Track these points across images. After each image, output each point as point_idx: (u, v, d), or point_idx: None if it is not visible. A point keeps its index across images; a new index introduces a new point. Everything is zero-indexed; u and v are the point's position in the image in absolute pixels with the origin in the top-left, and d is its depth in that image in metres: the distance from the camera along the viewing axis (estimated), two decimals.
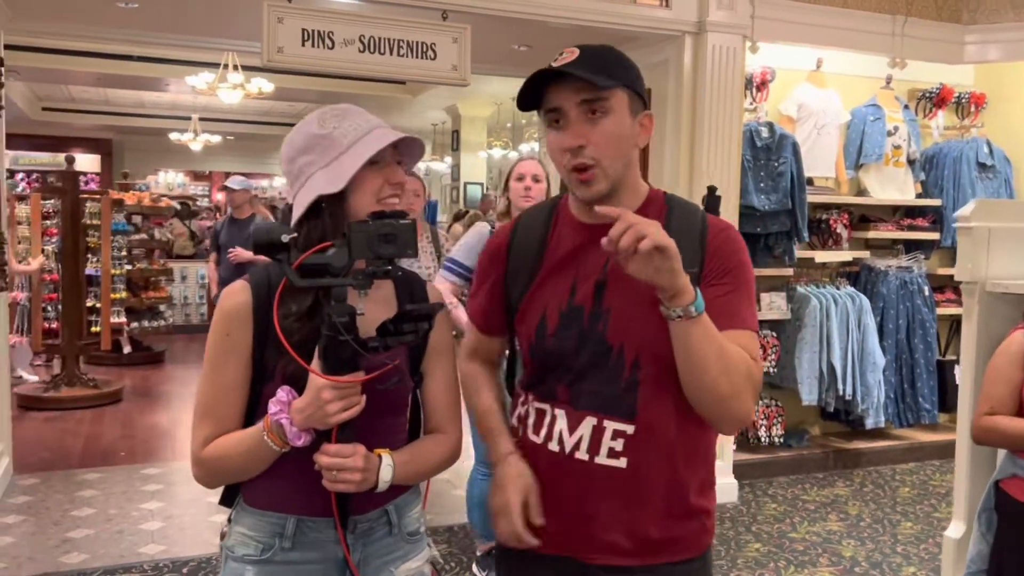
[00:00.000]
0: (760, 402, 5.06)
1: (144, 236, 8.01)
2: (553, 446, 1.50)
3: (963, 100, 5.63)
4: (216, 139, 14.38)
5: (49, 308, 6.80)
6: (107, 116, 14.50)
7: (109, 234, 6.87)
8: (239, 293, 1.50)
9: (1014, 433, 2.27)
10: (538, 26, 4.31)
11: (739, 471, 4.77)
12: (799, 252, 5.09)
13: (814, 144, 5.15)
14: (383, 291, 1.58)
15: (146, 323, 7.79)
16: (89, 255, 6.87)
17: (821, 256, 5.23)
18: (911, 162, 5.49)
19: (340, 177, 1.44)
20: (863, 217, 5.50)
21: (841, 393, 4.99)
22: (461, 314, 3.04)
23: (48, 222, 6.98)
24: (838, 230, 5.28)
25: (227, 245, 5.80)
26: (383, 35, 3.88)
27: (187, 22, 4.66)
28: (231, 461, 1.47)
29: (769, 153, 4.86)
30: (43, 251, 6.77)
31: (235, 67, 8.76)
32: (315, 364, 1.38)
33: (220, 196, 17.94)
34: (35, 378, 7.03)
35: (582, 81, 1.40)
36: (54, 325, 6.74)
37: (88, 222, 6.81)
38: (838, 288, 5.19)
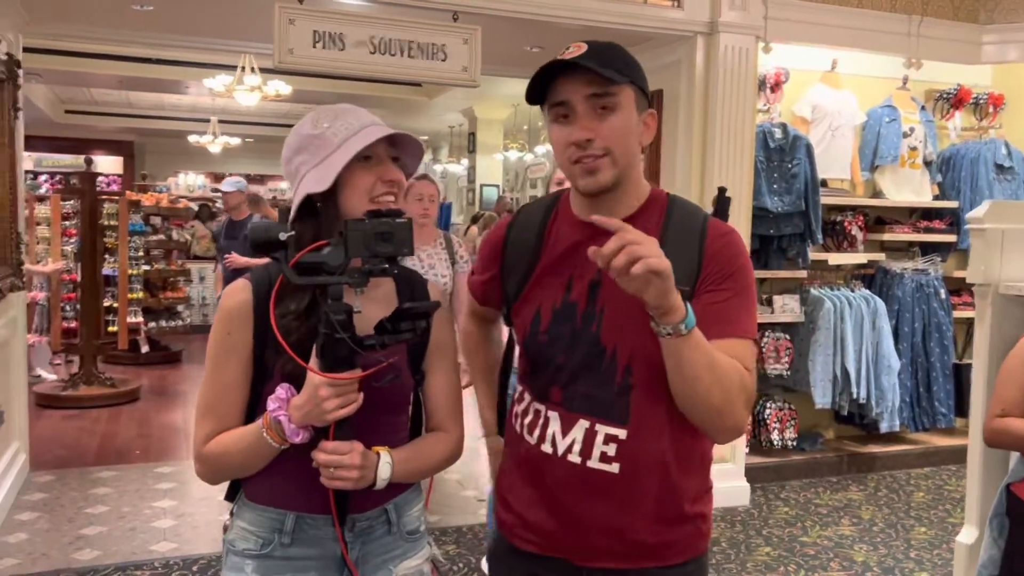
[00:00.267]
0: (773, 405, 5.03)
1: (162, 237, 8.08)
2: (546, 448, 1.50)
3: (981, 101, 5.58)
4: (235, 141, 14.47)
5: (67, 308, 6.87)
6: (128, 119, 14.67)
7: (126, 235, 6.94)
8: (240, 292, 1.51)
9: None
10: (549, 27, 4.31)
11: (751, 474, 4.74)
12: (813, 254, 5.05)
13: (829, 145, 5.12)
14: (384, 289, 1.58)
15: (164, 323, 7.85)
16: (107, 255, 6.94)
17: (835, 258, 5.19)
18: (927, 163, 5.44)
19: (327, 175, 1.45)
20: (879, 219, 5.46)
21: (855, 396, 4.95)
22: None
23: (68, 223, 7.06)
24: (853, 232, 5.24)
25: (225, 248, 5.83)
26: (394, 36, 3.89)
27: (202, 24, 4.69)
28: (231, 457, 1.48)
29: (782, 154, 4.84)
30: (63, 252, 6.84)
31: (252, 69, 8.83)
32: (313, 362, 1.39)
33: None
34: (54, 377, 7.11)
35: (592, 74, 1.39)
36: (73, 324, 6.82)
37: (105, 223, 6.87)
38: (853, 291, 5.15)
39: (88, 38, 5.23)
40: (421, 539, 1.64)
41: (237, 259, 5.61)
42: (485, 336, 1.86)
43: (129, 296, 7.05)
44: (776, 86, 4.94)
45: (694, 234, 1.47)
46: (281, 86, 9.31)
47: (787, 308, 5.00)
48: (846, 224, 5.23)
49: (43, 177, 16.10)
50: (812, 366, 4.94)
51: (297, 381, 1.41)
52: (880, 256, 5.38)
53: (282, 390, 1.43)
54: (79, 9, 4.45)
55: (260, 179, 18.91)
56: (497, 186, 13.20)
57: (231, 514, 1.58)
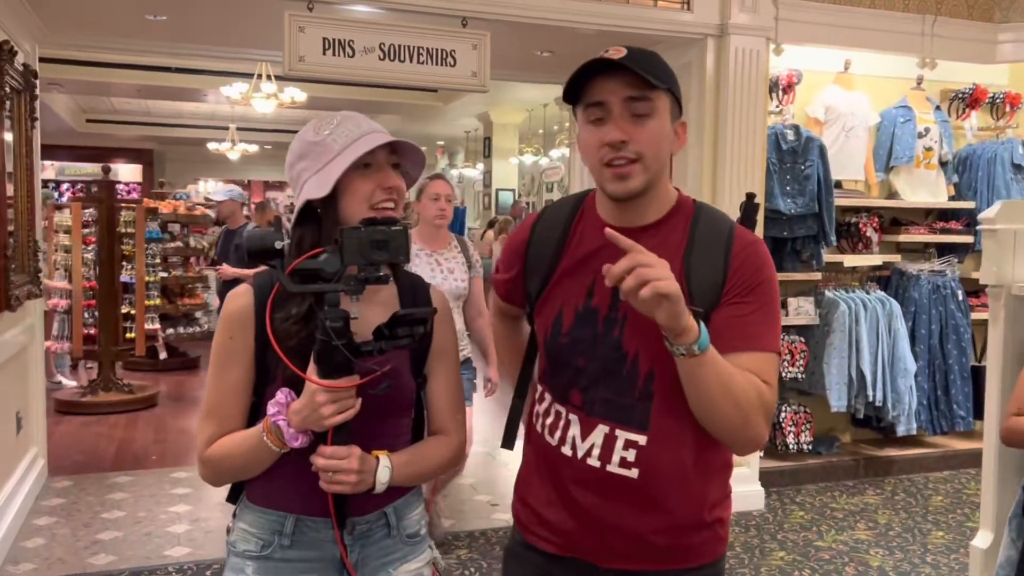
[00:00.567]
0: (788, 408, 4.99)
1: (180, 244, 8.15)
2: (566, 450, 1.51)
3: (997, 100, 5.52)
4: (253, 148, 14.61)
5: (86, 314, 6.94)
6: (148, 127, 14.86)
7: (143, 242, 7.01)
8: (242, 297, 1.53)
9: None
10: (559, 32, 4.32)
11: (766, 478, 4.71)
12: (828, 256, 5.02)
13: (842, 147, 5.08)
14: (386, 294, 1.59)
15: (181, 329, 7.92)
16: (124, 262, 7.01)
17: (850, 260, 5.15)
18: (943, 164, 5.39)
19: (327, 182, 1.46)
20: (894, 220, 5.41)
21: (871, 399, 4.90)
22: None
23: (87, 230, 7.15)
24: (868, 234, 5.20)
25: (221, 257, 5.84)
26: (403, 43, 3.92)
27: (214, 33, 4.74)
28: (233, 460, 1.50)
29: (795, 156, 4.81)
30: (83, 259, 6.91)
31: (268, 77, 8.91)
32: (310, 368, 1.40)
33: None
34: (74, 383, 7.19)
35: (632, 77, 1.38)
36: (92, 331, 6.89)
37: (123, 230, 6.95)
38: (868, 293, 5.10)
39: (105, 48, 5.29)
40: (422, 542, 1.65)
41: (227, 270, 5.61)
42: (513, 329, 1.83)
43: (147, 303, 7.12)
44: (789, 88, 4.91)
45: (720, 243, 1.46)
46: (297, 93, 9.40)
47: (802, 311, 4.97)
48: (861, 225, 5.19)
49: (65, 186, 16.34)
50: (827, 369, 4.90)
51: (297, 385, 1.42)
52: (896, 258, 5.33)
53: (282, 395, 1.45)
54: (94, 20, 4.51)
55: (279, 185, 19.07)
56: (513, 190, 13.23)
57: (233, 516, 1.60)
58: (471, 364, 3.80)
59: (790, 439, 4.98)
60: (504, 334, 1.85)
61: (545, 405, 1.57)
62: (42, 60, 4.85)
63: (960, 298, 5.31)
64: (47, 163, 15.80)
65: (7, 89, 3.83)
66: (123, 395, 6.64)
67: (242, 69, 8.80)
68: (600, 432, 1.47)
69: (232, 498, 1.61)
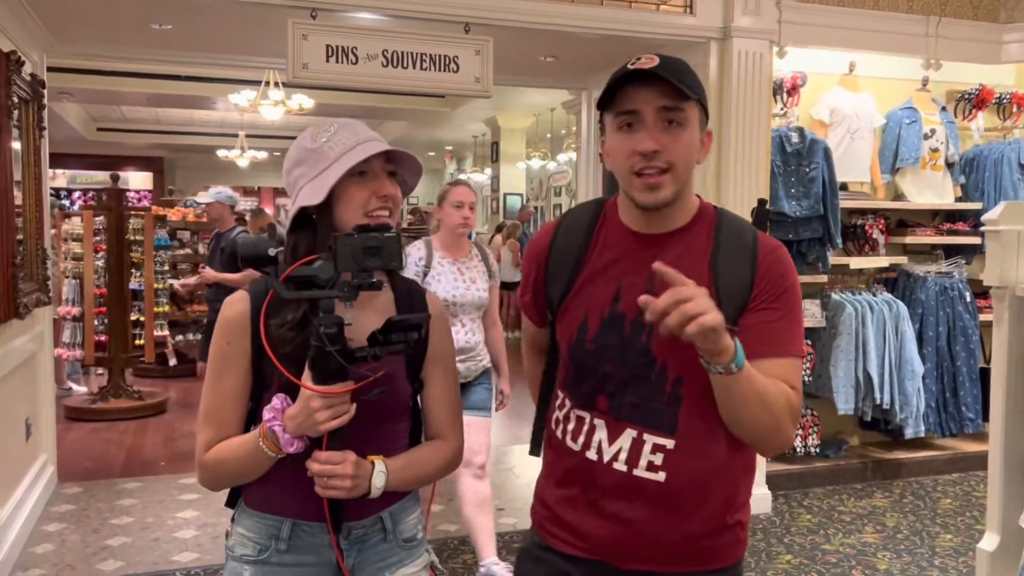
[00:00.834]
0: None
1: (189, 251, 8.21)
2: (591, 455, 1.51)
3: (1004, 100, 5.49)
4: (262, 155, 14.68)
5: (96, 321, 6.99)
6: (158, 135, 14.96)
7: (152, 249, 7.06)
8: (239, 303, 1.54)
9: None
10: (562, 36, 4.33)
11: (773, 482, 4.69)
12: (834, 259, 5.00)
13: (848, 149, 5.07)
14: (383, 300, 1.60)
15: (191, 336, 7.97)
16: (133, 270, 7.06)
17: (857, 262, 5.13)
18: (950, 165, 5.36)
19: (321, 189, 1.48)
20: (901, 222, 5.39)
21: (878, 402, 4.88)
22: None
23: (98, 238, 7.20)
24: (874, 236, 5.18)
25: (209, 261, 5.80)
26: (406, 49, 3.93)
27: (220, 41, 4.77)
28: (230, 465, 1.51)
29: (800, 158, 4.80)
30: (95, 267, 6.96)
31: (275, 84, 8.96)
32: (305, 374, 1.41)
33: (268, 211, 18.31)
34: (84, 389, 7.23)
35: (666, 87, 1.40)
36: (103, 338, 6.94)
37: (132, 238, 7.00)
38: (874, 295, 5.08)
39: (112, 57, 5.34)
40: (419, 547, 1.65)
41: (209, 273, 5.57)
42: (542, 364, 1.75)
43: (156, 309, 7.17)
44: (793, 90, 4.91)
45: (745, 250, 1.48)
46: (304, 100, 9.44)
47: (808, 313, 4.94)
48: (867, 227, 5.17)
49: (76, 194, 16.45)
50: (834, 372, 4.88)
51: (293, 391, 1.44)
52: (902, 259, 5.31)
53: (277, 400, 1.46)
54: (100, 29, 4.55)
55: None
56: (521, 195, 13.25)
57: (232, 520, 1.61)
58: (490, 375, 3.68)
59: (797, 442, 4.96)
60: (539, 372, 1.74)
61: (565, 411, 1.58)
62: (52, 70, 4.89)
63: (968, 300, 5.28)
64: (58, 172, 15.93)
65: (15, 99, 3.87)
66: (133, 401, 6.68)
67: (250, 76, 8.85)
68: (628, 436, 1.48)
69: (231, 503, 1.62)
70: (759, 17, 4.39)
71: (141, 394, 6.80)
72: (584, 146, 5.95)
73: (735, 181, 4.35)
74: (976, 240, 5.36)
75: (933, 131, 5.24)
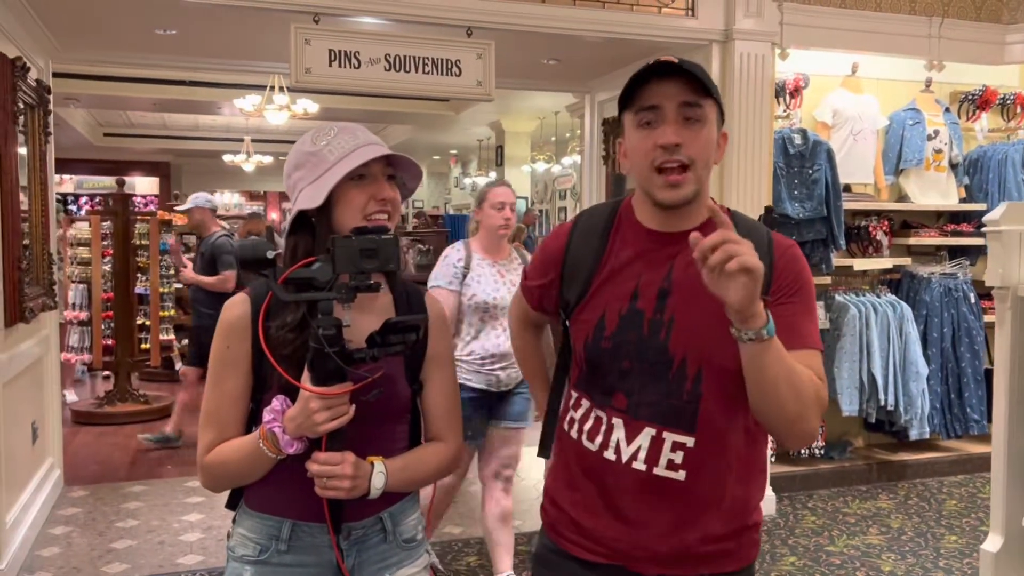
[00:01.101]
0: None
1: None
2: (609, 455, 1.51)
3: (1008, 101, 5.48)
4: (268, 160, 14.72)
5: (103, 326, 7.01)
6: (164, 140, 14.99)
7: (157, 254, 7.08)
8: (238, 306, 1.55)
9: None
10: (564, 40, 4.34)
11: (777, 484, 4.69)
12: (837, 260, 5.00)
13: (851, 150, 5.07)
14: (381, 302, 1.61)
15: None
16: (139, 274, 7.08)
17: (860, 264, 5.13)
18: (953, 166, 5.36)
19: (320, 192, 1.49)
20: (904, 223, 5.39)
21: (883, 403, 4.87)
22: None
23: (105, 243, 7.23)
24: (878, 237, 5.17)
25: (195, 264, 5.82)
26: (408, 53, 3.95)
27: (224, 47, 4.80)
28: (230, 467, 1.52)
29: (803, 160, 4.80)
30: (102, 272, 6.98)
31: (280, 89, 8.98)
32: (305, 375, 1.42)
33: (275, 216, 18.38)
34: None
35: (689, 82, 1.41)
36: (109, 342, 6.96)
37: (138, 242, 7.02)
38: (878, 296, 5.08)
39: (117, 63, 5.38)
40: (419, 547, 1.66)
41: (187, 274, 5.59)
42: (537, 341, 1.90)
43: (161, 314, 7.18)
44: (796, 91, 4.91)
45: (762, 247, 1.48)
46: (309, 104, 9.46)
47: None
48: (871, 229, 5.17)
49: (83, 199, 16.52)
50: (838, 373, 4.88)
51: (293, 392, 1.45)
52: (906, 261, 5.30)
53: (277, 402, 1.47)
54: (105, 35, 4.58)
55: None
56: (525, 198, 13.25)
57: (233, 521, 1.62)
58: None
59: None
60: (532, 348, 1.89)
61: (582, 411, 1.57)
62: (58, 75, 4.92)
63: (972, 301, 5.27)
64: (66, 177, 15.99)
65: (20, 104, 3.90)
66: (139, 405, 6.71)
67: (255, 81, 8.87)
68: (647, 435, 1.47)
69: (232, 504, 1.63)
70: (761, 19, 4.40)
71: (147, 398, 6.82)
72: (588, 149, 5.96)
73: (738, 183, 4.36)
74: (980, 241, 5.35)
75: (937, 132, 5.24)
